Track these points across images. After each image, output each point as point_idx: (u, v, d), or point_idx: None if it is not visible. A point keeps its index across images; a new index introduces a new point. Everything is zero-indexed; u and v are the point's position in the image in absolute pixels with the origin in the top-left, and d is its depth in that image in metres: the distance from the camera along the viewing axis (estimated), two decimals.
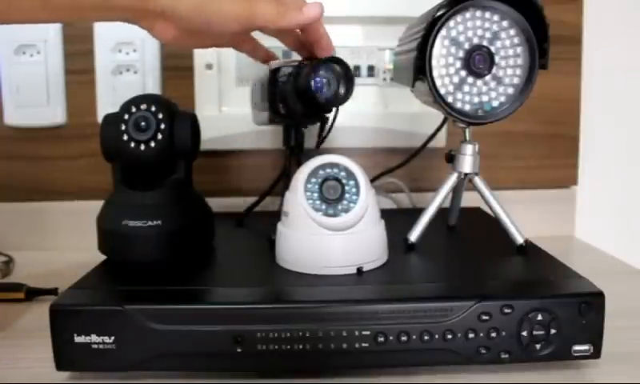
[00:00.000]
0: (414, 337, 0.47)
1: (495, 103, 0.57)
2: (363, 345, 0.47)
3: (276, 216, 0.59)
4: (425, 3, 0.59)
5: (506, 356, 0.48)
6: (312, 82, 0.55)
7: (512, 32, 0.55)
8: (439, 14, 0.55)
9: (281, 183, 0.73)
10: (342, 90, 0.56)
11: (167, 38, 0.52)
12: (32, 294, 0.67)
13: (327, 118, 0.66)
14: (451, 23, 0.55)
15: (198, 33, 0.52)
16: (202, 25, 0.51)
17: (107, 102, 0.84)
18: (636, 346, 0.55)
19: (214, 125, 0.75)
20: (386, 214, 0.58)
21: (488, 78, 0.56)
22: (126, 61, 0.85)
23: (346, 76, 0.56)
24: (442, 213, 0.64)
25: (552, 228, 0.90)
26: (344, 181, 0.54)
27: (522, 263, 0.58)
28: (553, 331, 0.48)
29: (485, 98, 0.56)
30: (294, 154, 0.66)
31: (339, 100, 0.56)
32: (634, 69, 0.93)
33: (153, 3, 0.49)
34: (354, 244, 0.54)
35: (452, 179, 0.62)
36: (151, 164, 0.58)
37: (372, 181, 0.67)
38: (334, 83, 0.55)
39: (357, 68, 0.86)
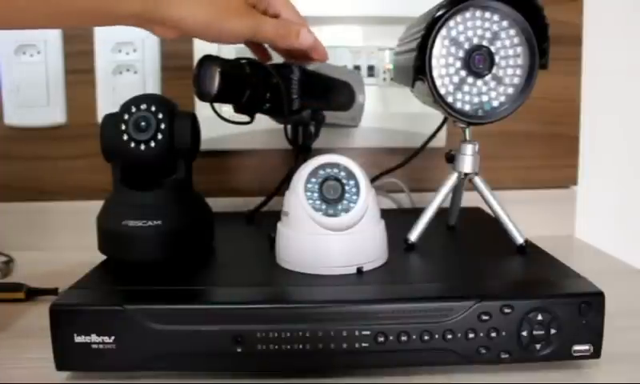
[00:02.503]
0: (414, 337, 0.47)
1: (495, 103, 0.57)
2: (363, 345, 0.47)
3: (278, 215, 0.58)
4: (425, 3, 0.59)
5: (506, 356, 0.48)
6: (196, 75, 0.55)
7: (512, 32, 0.55)
8: (439, 13, 0.55)
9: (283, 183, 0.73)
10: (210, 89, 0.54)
11: (168, 37, 0.53)
12: (32, 293, 0.67)
13: (323, 117, 0.66)
14: (451, 23, 0.55)
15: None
16: (207, 38, 0.53)
17: (107, 102, 0.84)
18: (636, 346, 0.55)
19: (213, 125, 0.74)
20: (385, 213, 0.58)
21: (488, 78, 0.56)
22: (126, 61, 0.85)
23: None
24: (442, 213, 0.64)
25: (552, 228, 0.90)
26: (344, 181, 0.54)
27: (522, 263, 0.58)
28: (553, 331, 0.48)
29: (485, 98, 0.56)
30: (301, 153, 0.66)
31: (205, 96, 0.55)
32: (634, 69, 0.93)
33: (160, 15, 0.49)
34: (354, 244, 0.54)
35: (452, 179, 0.62)
36: (151, 164, 0.58)
37: (372, 181, 0.67)
38: (204, 80, 0.54)
39: (357, 68, 0.86)
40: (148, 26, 0.51)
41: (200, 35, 0.52)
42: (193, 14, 0.50)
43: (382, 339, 0.47)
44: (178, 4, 0.49)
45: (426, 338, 0.47)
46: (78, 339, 0.47)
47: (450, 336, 0.47)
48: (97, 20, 0.49)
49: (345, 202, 0.54)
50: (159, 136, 0.57)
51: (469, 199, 0.70)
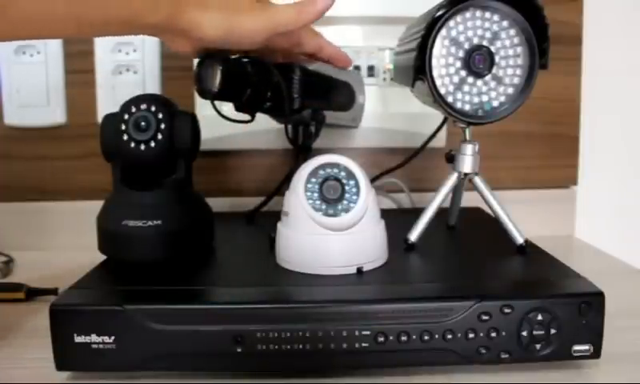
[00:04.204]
0: (414, 337, 0.47)
1: (495, 103, 0.57)
2: (363, 345, 0.47)
3: (278, 215, 0.58)
4: (425, 3, 0.59)
5: (506, 356, 0.48)
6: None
7: (512, 32, 0.55)
8: (439, 13, 0.55)
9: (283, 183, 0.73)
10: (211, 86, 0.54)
11: (183, 50, 0.53)
12: (32, 293, 0.67)
13: (324, 117, 0.66)
14: (451, 23, 0.55)
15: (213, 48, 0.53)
16: (225, 45, 0.52)
17: (107, 102, 0.84)
18: (636, 345, 0.55)
19: (214, 125, 0.75)
20: (385, 213, 0.58)
21: (488, 77, 0.56)
22: (126, 61, 0.85)
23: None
24: (442, 213, 0.64)
25: (552, 228, 0.90)
26: (344, 181, 0.54)
27: (522, 263, 0.58)
28: (553, 331, 0.48)
29: (485, 98, 0.56)
30: (302, 152, 0.66)
31: (206, 93, 0.55)
32: (634, 69, 0.93)
33: (180, 23, 0.49)
34: (354, 244, 0.54)
35: (452, 179, 0.62)
36: (151, 164, 0.58)
37: (372, 181, 0.67)
38: (205, 78, 0.54)
39: (357, 68, 0.86)
40: (167, 36, 0.51)
41: (220, 42, 0.51)
42: (209, 20, 0.50)
43: (382, 339, 0.47)
44: (195, 12, 0.49)
45: (426, 337, 0.47)
46: (78, 339, 0.47)
47: (449, 336, 0.47)
48: (119, 30, 0.49)
49: (345, 202, 0.54)
50: (159, 136, 0.57)
51: (469, 199, 0.70)
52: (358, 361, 0.48)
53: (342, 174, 0.55)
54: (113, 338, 0.47)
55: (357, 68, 0.86)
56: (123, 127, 0.57)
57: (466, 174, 0.62)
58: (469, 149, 0.61)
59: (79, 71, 0.86)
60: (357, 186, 0.54)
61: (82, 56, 0.85)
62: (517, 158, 0.91)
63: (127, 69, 0.85)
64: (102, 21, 0.47)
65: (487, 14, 0.55)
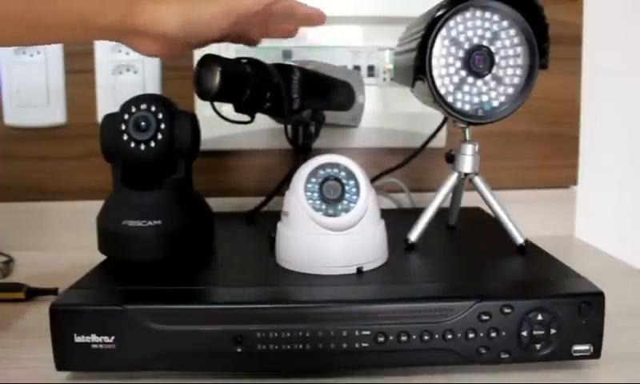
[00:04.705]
0: (414, 337, 0.47)
1: (495, 103, 0.57)
2: (363, 345, 0.47)
3: (278, 215, 0.58)
4: (425, 3, 0.59)
5: (506, 356, 0.48)
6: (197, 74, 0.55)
7: (512, 32, 0.55)
8: (439, 13, 0.55)
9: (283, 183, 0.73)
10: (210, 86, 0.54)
11: (150, 52, 0.52)
12: (32, 293, 0.67)
13: (323, 117, 0.66)
14: (451, 23, 0.55)
15: (181, 45, 0.52)
16: (187, 38, 0.51)
17: (107, 102, 0.84)
18: (636, 345, 0.55)
19: (213, 125, 0.75)
20: (385, 213, 0.58)
21: (488, 77, 0.56)
22: (126, 61, 0.85)
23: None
24: (442, 213, 0.64)
25: (552, 228, 0.90)
26: (344, 181, 0.54)
27: (522, 263, 0.58)
28: (553, 331, 0.48)
29: (485, 98, 0.56)
30: (301, 153, 0.66)
31: (206, 94, 0.55)
32: (634, 69, 0.93)
33: (136, 22, 0.49)
34: (354, 244, 0.54)
35: (452, 179, 0.62)
36: (151, 164, 0.58)
37: (372, 181, 0.67)
38: (205, 79, 0.54)
39: (357, 68, 0.86)
40: (127, 38, 0.51)
41: (183, 34, 0.50)
42: (166, 13, 0.49)
43: (382, 339, 0.47)
44: (151, 8, 0.49)
45: (426, 337, 0.47)
46: (78, 339, 0.47)
47: (449, 336, 0.47)
48: (76, 34, 0.49)
49: (345, 202, 0.54)
50: (159, 136, 0.57)
51: (469, 199, 0.70)
52: (357, 361, 0.48)
53: (342, 174, 0.55)
54: (113, 338, 0.47)
55: (357, 68, 0.86)
56: (123, 127, 0.57)
57: (466, 174, 0.62)
58: (469, 149, 0.61)
59: (79, 71, 0.86)
60: (357, 186, 0.54)
61: (82, 56, 0.85)
62: (517, 157, 0.91)
63: (127, 69, 0.85)
64: (56, 25, 0.47)
65: (487, 14, 0.55)
